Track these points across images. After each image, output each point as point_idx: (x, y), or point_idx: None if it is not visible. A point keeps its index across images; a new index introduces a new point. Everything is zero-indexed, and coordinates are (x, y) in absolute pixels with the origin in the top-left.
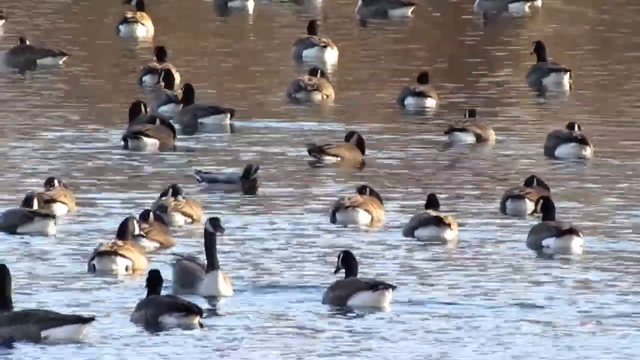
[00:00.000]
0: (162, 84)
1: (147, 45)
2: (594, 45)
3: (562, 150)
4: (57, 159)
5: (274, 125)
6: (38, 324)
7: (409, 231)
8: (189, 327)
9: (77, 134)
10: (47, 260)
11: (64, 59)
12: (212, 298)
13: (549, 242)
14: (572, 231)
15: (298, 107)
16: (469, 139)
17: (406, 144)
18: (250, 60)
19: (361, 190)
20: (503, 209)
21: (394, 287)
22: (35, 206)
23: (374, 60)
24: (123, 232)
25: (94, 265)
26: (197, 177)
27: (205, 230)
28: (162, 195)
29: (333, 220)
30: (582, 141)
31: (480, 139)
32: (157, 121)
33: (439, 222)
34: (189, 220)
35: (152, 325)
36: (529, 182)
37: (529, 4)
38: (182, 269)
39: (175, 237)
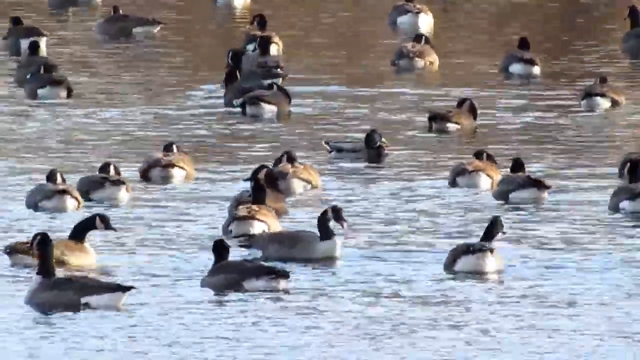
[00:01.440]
0: (258, 50)
1: (244, 13)
2: None
3: None
4: (171, 125)
5: (385, 92)
6: (78, 290)
7: (503, 194)
8: (277, 290)
9: (185, 102)
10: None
11: (159, 27)
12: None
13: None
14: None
15: (402, 74)
16: (606, 104)
17: (522, 110)
18: (349, 29)
19: (478, 155)
20: (621, 174)
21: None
22: (59, 180)
23: (470, 26)
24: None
25: (230, 230)
26: (327, 148)
27: (324, 214)
28: (276, 163)
29: (453, 184)
30: None
31: (615, 104)
32: (275, 87)
33: (537, 184)
34: (308, 186)
35: (235, 289)
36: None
37: None
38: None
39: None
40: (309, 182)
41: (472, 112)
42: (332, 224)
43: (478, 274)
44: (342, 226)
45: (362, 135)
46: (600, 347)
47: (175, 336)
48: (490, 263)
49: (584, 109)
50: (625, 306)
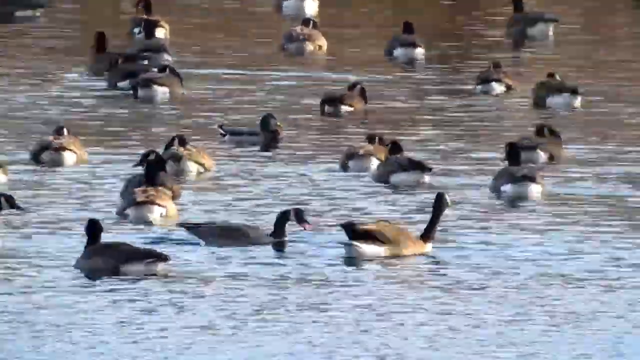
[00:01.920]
0: (143, 33)
1: None
2: None
3: (552, 100)
4: (59, 107)
5: (275, 75)
6: (116, 257)
7: (384, 177)
8: (154, 273)
9: (75, 84)
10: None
11: (42, 10)
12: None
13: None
14: (529, 177)
15: (291, 58)
16: (501, 89)
17: (403, 92)
18: (236, 14)
19: (370, 139)
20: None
21: None
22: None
23: (356, 10)
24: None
25: (127, 214)
26: (221, 131)
27: (283, 214)
28: (167, 146)
29: (345, 167)
30: (574, 91)
31: (510, 90)
32: (167, 70)
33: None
34: (202, 169)
35: (113, 273)
36: (539, 132)
37: None
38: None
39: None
40: (202, 165)
41: (363, 95)
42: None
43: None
44: (304, 228)
45: (256, 119)
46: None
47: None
48: None
49: (479, 94)
50: (498, 289)
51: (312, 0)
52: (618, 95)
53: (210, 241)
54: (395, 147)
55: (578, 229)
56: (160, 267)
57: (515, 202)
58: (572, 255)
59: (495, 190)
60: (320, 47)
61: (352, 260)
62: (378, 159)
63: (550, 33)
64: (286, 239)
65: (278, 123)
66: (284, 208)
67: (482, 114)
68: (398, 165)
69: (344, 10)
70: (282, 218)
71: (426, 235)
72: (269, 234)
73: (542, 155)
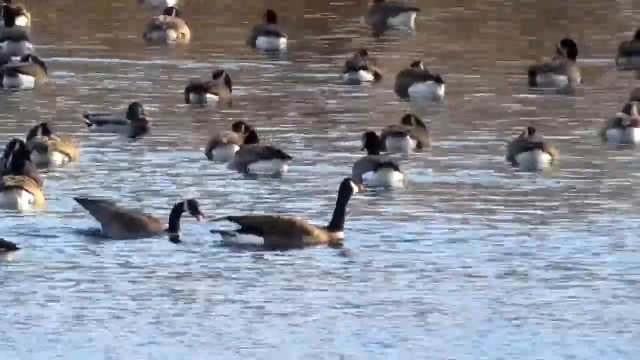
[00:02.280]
0: (3, 20)
1: None
2: None
3: (415, 88)
4: None
5: (140, 63)
6: None
7: (242, 165)
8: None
9: None
10: None
11: None
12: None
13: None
14: (391, 165)
15: (154, 46)
16: (369, 77)
17: (268, 80)
18: (97, 4)
19: (236, 127)
20: (384, 146)
21: None
22: None
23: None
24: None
25: None
26: (87, 121)
27: (179, 207)
28: (31, 134)
29: (210, 156)
30: (437, 79)
31: (377, 78)
32: (30, 58)
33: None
34: (67, 159)
35: None
36: (406, 120)
37: None
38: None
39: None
40: (67, 154)
41: (228, 83)
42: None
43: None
44: (198, 219)
45: (121, 107)
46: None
47: None
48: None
49: (346, 82)
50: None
51: None
52: (478, 85)
53: (109, 225)
54: (251, 136)
55: (437, 216)
56: (10, 256)
57: (376, 189)
58: (428, 242)
59: (357, 178)
60: (183, 35)
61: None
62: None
63: (412, 22)
64: (180, 232)
65: (145, 112)
66: (178, 201)
67: (349, 103)
68: (256, 154)
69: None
70: (177, 211)
71: (336, 225)
72: (168, 229)
73: (411, 143)
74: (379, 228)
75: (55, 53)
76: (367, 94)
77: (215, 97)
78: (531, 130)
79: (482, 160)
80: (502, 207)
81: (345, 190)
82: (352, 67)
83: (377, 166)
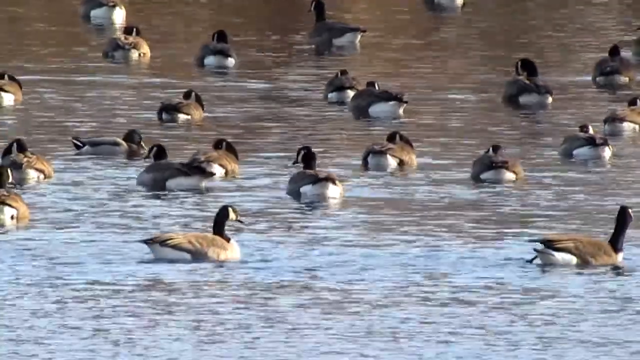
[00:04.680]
0: None
1: None
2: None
3: (377, 109)
4: None
5: (102, 81)
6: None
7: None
8: None
9: None
10: None
11: None
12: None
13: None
14: (329, 179)
15: (116, 65)
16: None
17: (238, 100)
18: (50, 22)
19: (217, 145)
20: (365, 164)
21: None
22: None
23: (165, 17)
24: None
25: None
26: (78, 143)
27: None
28: (5, 152)
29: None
30: (399, 99)
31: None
32: (6, 77)
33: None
34: (42, 176)
35: None
36: (391, 138)
37: None
38: None
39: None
40: (42, 172)
41: (199, 102)
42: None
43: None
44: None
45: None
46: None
47: None
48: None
49: (331, 102)
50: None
51: (120, 9)
52: (445, 101)
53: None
54: (159, 152)
55: (369, 230)
56: None
57: (314, 203)
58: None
59: (293, 192)
60: (144, 54)
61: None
62: (221, 165)
63: (357, 42)
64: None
65: (142, 142)
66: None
67: (332, 123)
68: (176, 170)
69: (152, 17)
70: (222, 215)
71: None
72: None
73: (391, 161)
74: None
75: (15, 71)
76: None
77: (188, 117)
78: (495, 148)
79: (448, 177)
80: (456, 222)
81: (221, 216)
82: (338, 87)
83: (315, 180)
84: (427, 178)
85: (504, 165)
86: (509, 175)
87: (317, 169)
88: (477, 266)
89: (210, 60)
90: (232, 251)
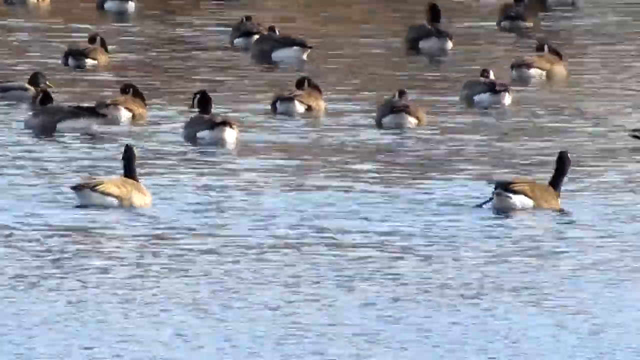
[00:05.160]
0: None
1: None
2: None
3: None
4: None
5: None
6: None
7: None
8: None
9: None
10: None
11: None
12: None
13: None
14: (225, 123)
15: (15, 9)
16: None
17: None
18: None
19: (124, 90)
20: (274, 109)
21: None
22: None
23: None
24: None
25: None
26: None
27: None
28: None
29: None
30: (302, 44)
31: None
32: None
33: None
34: None
35: None
36: (299, 84)
37: None
38: None
39: None
40: None
41: (104, 46)
42: None
43: None
44: None
45: None
46: None
47: None
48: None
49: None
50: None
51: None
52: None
53: None
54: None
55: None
56: None
57: (210, 148)
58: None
59: (189, 137)
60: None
61: None
62: (127, 109)
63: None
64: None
65: (47, 82)
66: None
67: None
68: (68, 113)
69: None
70: (130, 155)
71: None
72: None
73: (299, 107)
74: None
75: None
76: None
77: (95, 62)
78: (401, 93)
79: (355, 123)
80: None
81: (130, 156)
82: (244, 33)
83: (212, 124)
84: (334, 124)
85: (404, 110)
86: (410, 120)
87: (212, 112)
88: (385, 212)
89: (110, 4)
90: (149, 195)
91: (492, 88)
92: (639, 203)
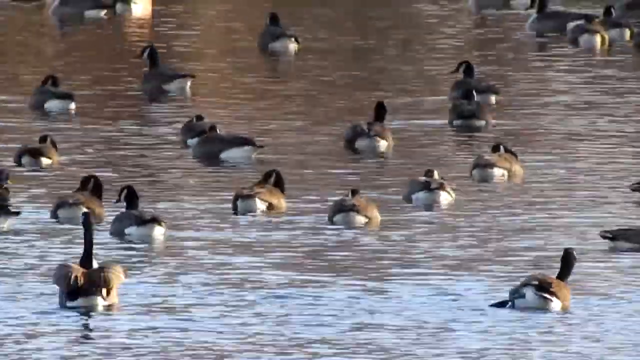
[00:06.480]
0: None
1: None
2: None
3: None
4: None
5: None
6: None
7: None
8: None
9: None
10: None
11: None
12: None
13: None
14: (154, 220)
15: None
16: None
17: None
18: None
19: (84, 185)
20: (234, 208)
21: None
22: None
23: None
24: None
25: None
26: None
27: None
28: None
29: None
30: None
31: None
32: None
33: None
34: None
35: None
36: (267, 177)
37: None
38: None
39: None
40: None
41: (54, 146)
42: None
43: None
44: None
45: None
46: None
47: None
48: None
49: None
50: None
51: None
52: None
53: None
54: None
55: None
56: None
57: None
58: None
59: (117, 233)
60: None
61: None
62: (88, 207)
63: (188, 88)
64: None
65: (10, 180)
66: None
67: None
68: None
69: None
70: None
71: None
72: None
73: (259, 204)
74: None
75: None
76: None
77: (50, 161)
78: (354, 192)
79: (307, 221)
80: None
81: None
82: (199, 133)
83: (140, 222)
84: (287, 223)
85: (353, 209)
86: (359, 219)
87: (140, 208)
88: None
89: (52, 104)
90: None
91: (427, 186)
92: None
